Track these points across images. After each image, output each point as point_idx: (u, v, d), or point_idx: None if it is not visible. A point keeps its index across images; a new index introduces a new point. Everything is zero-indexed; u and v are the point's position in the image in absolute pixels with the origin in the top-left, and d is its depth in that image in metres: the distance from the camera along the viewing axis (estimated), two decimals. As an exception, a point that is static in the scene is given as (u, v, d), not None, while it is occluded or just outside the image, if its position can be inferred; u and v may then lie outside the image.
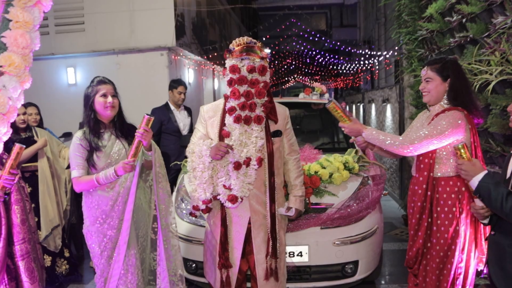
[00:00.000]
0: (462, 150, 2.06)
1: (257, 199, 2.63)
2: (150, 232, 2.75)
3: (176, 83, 5.17)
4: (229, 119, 2.57)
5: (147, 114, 2.50)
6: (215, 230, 2.68)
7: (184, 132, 5.12)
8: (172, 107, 5.14)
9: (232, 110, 2.55)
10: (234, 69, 2.52)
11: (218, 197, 2.59)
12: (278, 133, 2.69)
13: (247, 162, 2.53)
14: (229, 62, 2.57)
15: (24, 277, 2.64)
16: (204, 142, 2.59)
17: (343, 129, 2.64)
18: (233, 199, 2.53)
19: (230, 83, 2.55)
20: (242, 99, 2.52)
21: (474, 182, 1.99)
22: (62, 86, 7.53)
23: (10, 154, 2.33)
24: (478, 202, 2.08)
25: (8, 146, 2.59)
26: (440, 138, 2.39)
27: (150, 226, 2.75)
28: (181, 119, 5.16)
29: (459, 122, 2.40)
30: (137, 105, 5.25)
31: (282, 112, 2.73)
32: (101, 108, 2.59)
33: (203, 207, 2.62)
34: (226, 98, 2.61)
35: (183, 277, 2.76)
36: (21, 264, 2.63)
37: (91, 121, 2.61)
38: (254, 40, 2.59)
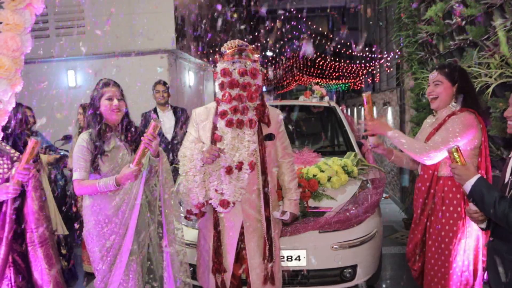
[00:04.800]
0: (455, 154, 2.02)
1: (250, 203, 2.60)
2: (157, 237, 2.69)
3: (155, 83, 5.11)
4: (221, 123, 2.54)
5: (154, 120, 2.43)
6: (207, 234, 2.65)
7: (169, 135, 4.97)
8: (158, 109, 5.07)
9: (224, 114, 2.52)
10: (226, 72, 2.49)
11: (210, 202, 2.56)
12: (271, 137, 2.66)
13: (239, 166, 2.50)
14: (220, 66, 2.54)
15: (43, 264, 2.56)
16: (195, 146, 2.56)
17: (370, 122, 2.60)
18: (225, 204, 2.51)
19: (222, 86, 2.52)
20: (234, 103, 2.50)
21: (468, 186, 1.96)
22: (62, 88, 7.53)
23: (25, 148, 2.29)
24: (472, 206, 2.05)
25: (16, 142, 2.57)
26: (457, 142, 2.42)
27: (155, 231, 2.70)
28: (166, 121, 5.01)
29: (472, 122, 2.45)
30: (137, 108, 5.24)
31: (275, 116, 2.70)
32: (107, 111, 2.54)
33: (196, 211, 2.59)
34: (218, 101, 2.58)
35: (191, 285, 2.72)
36: (40, 251, 2.55)
37: (97, 124, 2.54)
38: (246, 43, 2.57)
